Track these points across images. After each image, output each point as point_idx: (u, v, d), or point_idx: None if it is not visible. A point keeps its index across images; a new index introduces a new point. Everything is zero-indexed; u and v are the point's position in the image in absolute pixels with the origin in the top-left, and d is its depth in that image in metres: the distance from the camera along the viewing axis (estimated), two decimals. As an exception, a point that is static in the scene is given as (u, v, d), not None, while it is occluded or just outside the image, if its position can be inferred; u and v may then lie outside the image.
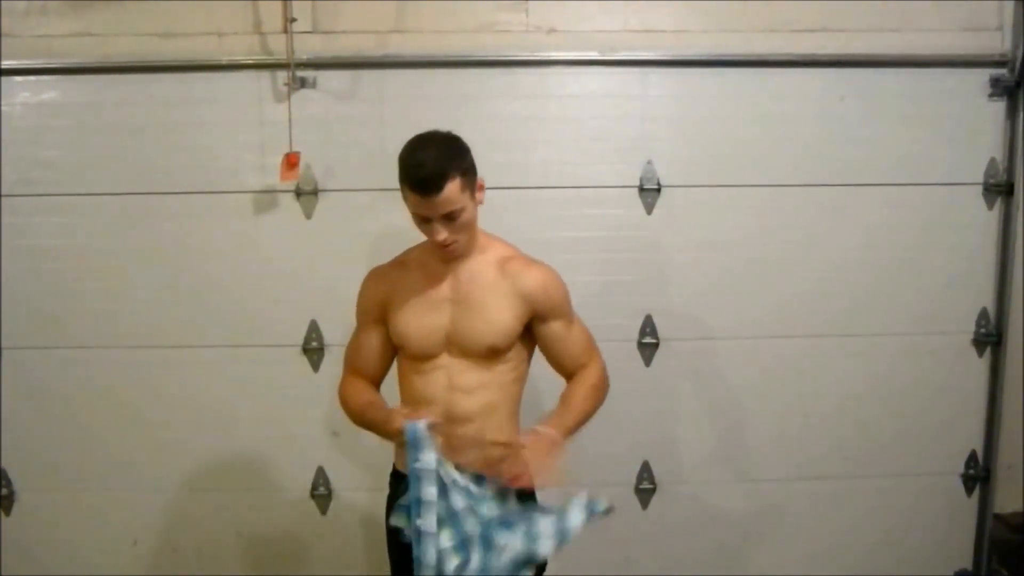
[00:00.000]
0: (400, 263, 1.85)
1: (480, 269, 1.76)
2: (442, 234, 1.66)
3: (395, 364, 1.88)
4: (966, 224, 2.57)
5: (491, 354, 1.73)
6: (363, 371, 1.85)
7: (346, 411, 1.83)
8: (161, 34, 2.43)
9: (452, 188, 1.61)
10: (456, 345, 1.74)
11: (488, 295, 1.74)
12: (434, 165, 1.61)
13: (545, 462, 1.61)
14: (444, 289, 1.76)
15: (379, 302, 1.82)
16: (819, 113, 2.52)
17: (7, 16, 2.40)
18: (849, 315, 2.59)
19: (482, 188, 1.73)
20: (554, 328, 1.78)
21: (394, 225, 2.43)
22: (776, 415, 2.63)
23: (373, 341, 1.83)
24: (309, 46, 2.43)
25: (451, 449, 1.66)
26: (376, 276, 1.86)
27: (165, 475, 2.59)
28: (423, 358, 1.77)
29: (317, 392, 2.52)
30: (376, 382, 1.87)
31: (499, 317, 1.73)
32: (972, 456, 2.67)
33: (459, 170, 1.64)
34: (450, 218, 1.65)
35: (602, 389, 1.81)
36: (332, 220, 2.51)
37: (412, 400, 1.78)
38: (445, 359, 1.75)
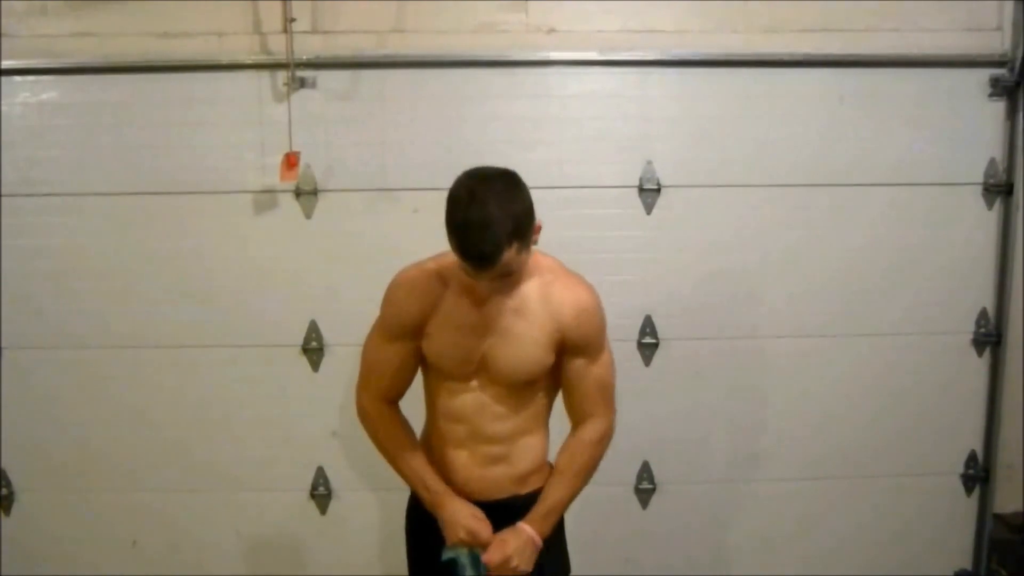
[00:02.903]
0: (439, 276, 1.68)
1: (523, 298, 1.65)
2: (490, 288, 1.59)
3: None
4: (966, 224, 2.57)
5: (525, 386, 1.69)
6: (386, 388, 1.74)
7: (371, 437, 1.77)
8: (161, 34, 2.43)
9: (508, 257, 1.48)
10: (490, 373, 1.67)
11: (526, 328, 1.64)
12: (491, 241, 1.44)
13: (522, 562, 1.65)
14: (485, 314, 1.65)
15: (416, 319, 1.67)
16: (819, 113, 2.51)
17: (7, 16, 2.40)
18: (849, 315, 2.59)
19: (539, 230, 1.58)
20: (575, 364, 1.69)
21: (394, 225, 2.45)
22: (776, 415, 2.62)
23: (402, 357, 1.71)
24: (309, 46, 2.42)
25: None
26: (414, 289, 1.68)
27: (165, 475, 2.59)
28: (456, 379, 1.70)
29: (317, 392, 2.52)
30: (396, 399, 1.78)
31: (534, 352, 1.65)
32: (972, 456, 2.66)
33: (516, 234, 1.47)
34: (502, 275, 1.55)
35: (601, 454, 1.75)
36: (332, 220, 2.51)
37: (441, 415, 1.73)
38: (477, 383, 1.69)
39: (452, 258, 1.56)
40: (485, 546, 1.66)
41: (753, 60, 2.48)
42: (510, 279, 1.60)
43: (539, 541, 1.67)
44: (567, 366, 1.70)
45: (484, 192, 1.47)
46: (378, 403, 1.75)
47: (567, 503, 1.73)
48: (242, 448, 2.58)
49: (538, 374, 1.68)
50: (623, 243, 2.55)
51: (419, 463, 1.73)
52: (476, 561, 1.69)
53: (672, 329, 2.58)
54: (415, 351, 1.71)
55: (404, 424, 1.77)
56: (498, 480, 1.72)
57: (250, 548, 2.64)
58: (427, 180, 2.37)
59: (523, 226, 1.50)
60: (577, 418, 1.75)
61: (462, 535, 1.67)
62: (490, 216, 1.44)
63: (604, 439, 1.75)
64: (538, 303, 1.65)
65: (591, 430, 1.73)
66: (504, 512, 1.72)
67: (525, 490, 1.74)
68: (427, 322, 1.67)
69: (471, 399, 1.70)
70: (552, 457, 1.81)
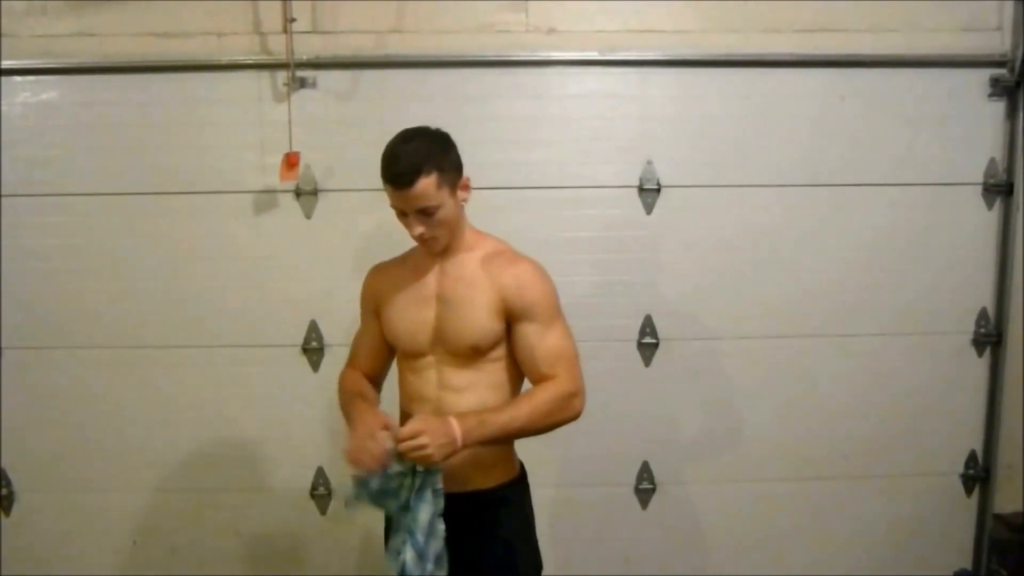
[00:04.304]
0: (400, 259, 1.85)
1: (466, 266, 1.74)
2: (417, 229, 1.67)
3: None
4: (966, 224, 2.57)
5: (475, 353, 1.71)
6: (361, 365, 1.87)
7: (338, 396, 1.84)
8: (161, 34, 2.43)
9: (426, 184, 1.61)
10: (441, 344, 1.73)
11: (470, 293, 1.71)
12: (408, 160, 1.61)
13: (432, 451, 1.54)
14: (431, 286, 1.75)
15: (373, 297, 1.83)
16: (819, 113, 2.52)
17: (7, 16, 2.40)
18: (849, 315, 2.59)
19: (467, 187, 1.71)
20: (525, 331, 1.69)
21: (394, 225, 2.44)
22: (776, 415, 2.63)
23: (370, 336, 1.85)
24: (309, 46, 2.43)
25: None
26: (375, 271, 1.87)
27: (165, 475, 2.59)
28: (413, 355, 1.76)
29: (317, 392, 2.52)
30: (374, 378, 1.86)
31: (478, 316, 1.69)
32: (972, 456, 2.67)
33: (435, 167, 1.63)
34: (425, 213, 1.64)
35: (557, 411, 1.66)
36: (332, 220, 2.51)
37: (407, 398, 1.78)
38: (434, 358, 1.74)
39: (419, 250, 1.77)
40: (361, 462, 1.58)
41: (753, 60, 2.49)
42: (439, 227, 1.67)
43: (459, 440, 1.57)
44: (518, 333, 1.70)
45: (413, 134, 1.68)
46: (352, 370, 1.87)
47: (502, 428, 1.63)
48: (242, 448, 2.59)
49: (486, 340, 1.70)
50: (623, 243, 2.55)
51: (369, 396, 1.77)
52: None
53: (672, 329, 2.58)
54: (380, 330, 1.83)
55: (364, 382, 1.82)
56: (463, 468, 1.68)
57: (250, 548, 2.64)
58: (427, 180, 2.37)
59: (445, 164, 1.65)
60: (535, 383, 1.71)
61: (347, 460, 1.60)
62: (414, 146, 1.64)
63: (565, 397, 1.66)
64: (481, 272, 1.72)
65: (552, 383, 1.67)
66: (470, 505, 1.70)
67: (490, 483, 1.73)
68: (382, 298, 1.81)
69: (430, 375, 1.74)
70: (521, 452, 1.82)
